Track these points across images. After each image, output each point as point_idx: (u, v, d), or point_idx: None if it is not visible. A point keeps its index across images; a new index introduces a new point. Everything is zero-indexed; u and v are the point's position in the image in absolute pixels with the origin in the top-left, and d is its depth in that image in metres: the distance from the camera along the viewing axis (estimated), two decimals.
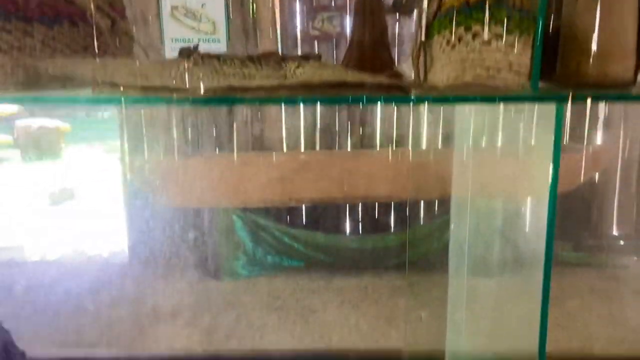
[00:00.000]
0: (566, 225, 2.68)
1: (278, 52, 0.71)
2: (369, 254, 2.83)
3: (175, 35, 2.67)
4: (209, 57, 0.67)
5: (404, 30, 2.81)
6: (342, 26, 2.87)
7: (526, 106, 0.84)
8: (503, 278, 0.97)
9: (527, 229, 1.01)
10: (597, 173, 2.78)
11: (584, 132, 2.73)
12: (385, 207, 2.90)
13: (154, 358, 0.90)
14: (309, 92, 0.64)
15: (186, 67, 0.65)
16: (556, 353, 0.75)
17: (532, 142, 0.93)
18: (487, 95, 0.66)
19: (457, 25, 0.65)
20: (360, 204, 2.90)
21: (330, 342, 2.01)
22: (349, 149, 2.86)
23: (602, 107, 2.78)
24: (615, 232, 2.81)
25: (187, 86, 0.64)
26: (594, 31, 0.68)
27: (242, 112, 2.85)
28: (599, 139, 2.80)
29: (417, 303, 2.38)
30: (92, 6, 0.75)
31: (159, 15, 2.68)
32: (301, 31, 2.89)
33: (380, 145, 2.85)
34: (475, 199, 1.02)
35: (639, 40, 0.70)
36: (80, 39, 0.75)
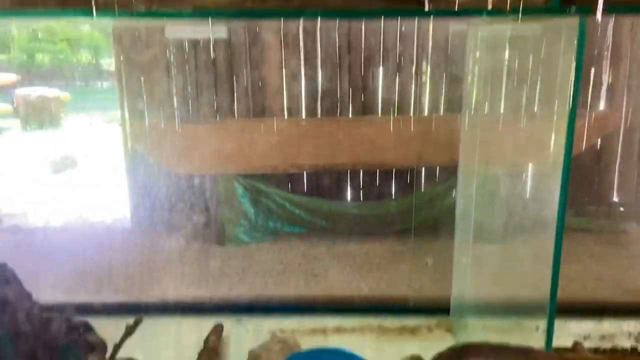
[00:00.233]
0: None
1: None
2: (370, 221, 2.84)
3: None
4: None
5: None
6: None
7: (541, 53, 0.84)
8: (512, 235, 0.98)
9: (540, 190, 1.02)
10: (599, 139, 2.77)
11: (587, 97, 2.71)
12: (386, 174, 2.90)
13: (158, 304, 0.91)
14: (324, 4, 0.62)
15: None
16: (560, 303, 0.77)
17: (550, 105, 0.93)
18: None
19: None
20: (361, 171, 2.90)
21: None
22: (350, 116, 2.85)
23: (606, 71, 2.75)
24: (615, 198, 2.82)
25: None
26: None
27: (244, 79, 2.83)
28: (601, 104, 2.79)
29: (420, 266, 2.41)
30: None
31: None
32: None
33: (383, 112, 2.83)
34: (483, 164, 1.02)
35: None
36: None
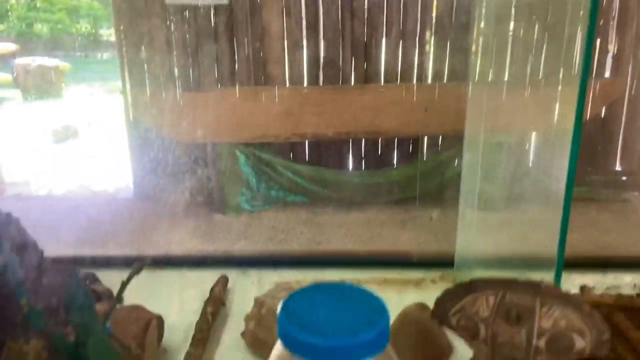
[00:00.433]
0: None
1: None
2: (372, 189, 2.85)
3: None
4: None
5: None
6: None
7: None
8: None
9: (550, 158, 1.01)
10: (603, 108, 2.75)
11: (593, 65, 2.68)
12: (388, 143, 2.89)
13: (162, 257, 0.92)
14: None
15: None
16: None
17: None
18: None
19: None
20: (363, 139, 2.89)
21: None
22: (352, 84, 2.83)
23: (612, 40, 2.72)
24: (618, 168, 2.82)
25: None
26: None
27: (244, 46, 2.80)
28: (607, 72, 2.76)
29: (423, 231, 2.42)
30: None
31: None
32: None
33: (386, 80, 2.81)
34: (489, 133, 1.02)
35: None
36: None
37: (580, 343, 0.42)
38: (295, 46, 2.80)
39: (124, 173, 3.12)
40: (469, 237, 0.89)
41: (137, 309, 0.69)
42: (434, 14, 2.75)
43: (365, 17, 2.76)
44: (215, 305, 0.76)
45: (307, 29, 2.77)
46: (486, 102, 1.11)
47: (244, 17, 2.76)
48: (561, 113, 1.14)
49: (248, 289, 0.83)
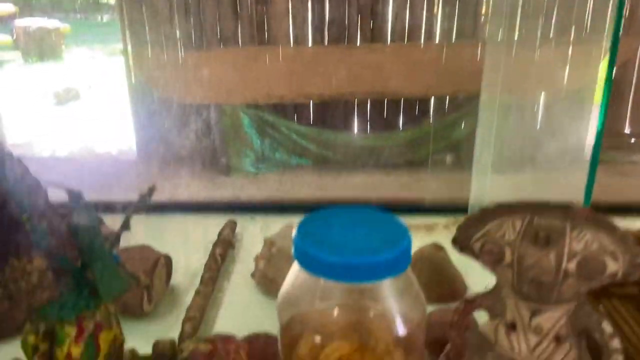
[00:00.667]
0: None
1: None
2: (378, 152, 2.82)
3: None
4: None
5: None
6: None
7: None
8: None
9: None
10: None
11: (605, 25, 2.61)
12: (395, 104, 2.85)
13: (169, 202, 0.90)
14: None
15: None
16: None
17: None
18: None
19: None
20: (369, 101, 2.85)
21: None
22: (358, 44, 2.76)
23: None
24: (627, 130, 2.77)
25: None
26: None
27: (247, 5, 2.73)
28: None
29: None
30: None
31: None
32: None
33: (392, 40, 2.74)
34: (506, 93, 0.99)
35: None
36: None
37: (612, 266, 0.40)
38: (300, 4, 2.73)
39: (127, 135, 3.09)
40: (484, 184, 0.86)
41: (145, 248, 0.67)
42: None
43: None
44: (224, 248, 0.74)
45: None
46: (503, 62, 1.08)
47: None
48: (579, 72, 1.11)
49: (256, 234, 0.81)
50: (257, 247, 0.70)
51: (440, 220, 0.83)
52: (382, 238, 0.39)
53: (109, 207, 0.81)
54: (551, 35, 1.17)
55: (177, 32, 2.83)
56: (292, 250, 0.40)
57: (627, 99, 2.76)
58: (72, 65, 4.47)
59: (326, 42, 2.77)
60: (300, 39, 2.76)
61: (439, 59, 2.57)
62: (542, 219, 0.41)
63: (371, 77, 2.59)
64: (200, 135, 2.87)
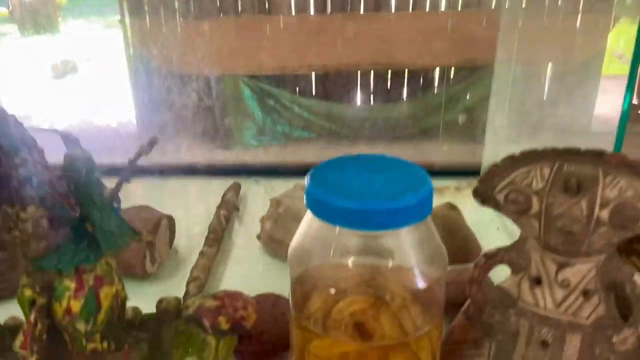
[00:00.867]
0: None
1: None
2: (381, 124, 2.78)
3: None
4: None
5: None
6: None
7: None
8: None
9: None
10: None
11: None
12: (398, 75, 2.80)
13: (171, 165, 0.88)
14: None
15: None
16: None
17: None
18: None
19: None
20: (372, 72, 2.80)
21: None
22: (362, 12, 2.70)
23: None
24: (635, 101, 2.73)
25: None
26: None
27: None
28: None
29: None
30: None
31: None
32: None
33: (397, 8, 2.68)
34: (521, 63, 0.95)
35: None
36: None
37: None
38: None
39: (127, 108, 3.04)
40: (496, 147, 0.84)
41: (146, 208, 0.65)
42: None
43: None
44: (229, 209, 0.72)
45: None
46: (518, 30, 1.05)
47: None
48: (587, 41, 1.07)
49: (261, 196, 0.78)
50: (263, 210, 0.68)
51: (451, 183, 0.80)
52: (402, 184, 0.36)
53: (110, 171, 0.78)
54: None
55: (176, 2, 2.76)
56: (303, 204, 0.37)
57: (635, 69, 2.70)
58: (69, 38, 4.39)
59: (329, 11, 2.71)
60: (301, 7, 2.70)
61: (445, 27, 2.52)
62: (573, 166, 0.38)
63: (375, 47, 2.54)
64: (200, 107, 2.83)
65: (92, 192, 0.39)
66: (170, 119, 2.90)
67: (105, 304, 0.40)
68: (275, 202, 0.64)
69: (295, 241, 0.40)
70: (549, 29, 1.04)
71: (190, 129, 2.85)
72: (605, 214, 0.37)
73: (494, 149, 0.81)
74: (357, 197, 0.35)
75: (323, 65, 2.61)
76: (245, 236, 0.70)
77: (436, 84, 2.74)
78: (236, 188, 0.78)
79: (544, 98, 1.14)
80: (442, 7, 2.64)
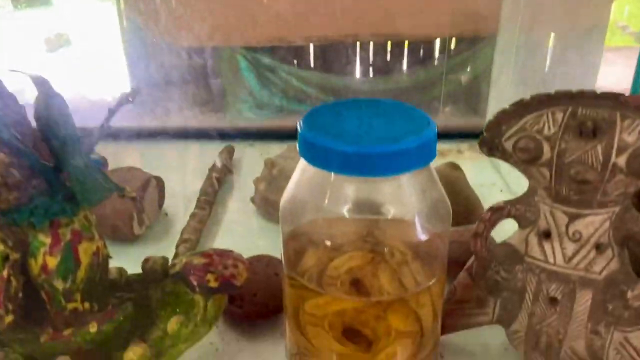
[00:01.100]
0: None
1: None
2: (381, 96, 2.73)
3: None
4: None
5: None
6: None
7: None
8: None
9: None
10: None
11: None
12: (398, 47, 2.74)
13: (159, 129, 0.85)
14: None
15: None
16: None
17: None
18: None
19: None
20: (372, 44, 2.74)
21: None
22: None
23: None
24: None
25: None
26: None
27: None
28: None
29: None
30: None
31: None
32: None
33: None
34: (525, 31, 0.92)
35: None
36: None
37: None
38: None
39: (122, 81, 2.99)
40: (500, 104, 0.81)
41: (133, 169, 0.62)
42: None
43: None
44: (222, 172, 0.69)
45: None
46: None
47: None
48: (598, 11, 1.03)
49: (256, 160, 0.76)
50: (257, 173, 0.65)
51: (453, 146, 0.78)
52: (403, 127, 0.33)
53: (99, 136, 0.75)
54: None
55: None
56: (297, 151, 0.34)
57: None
58: (62, 11, 4.31)
59: None
60: None
61: None
62: (588, 109, 0.35)
63: (375, 17, 2.48)
64: (197, 79, 2.78)
65: (67, 140, 0.36)
66: (167, 92, 2.85)
67: (84, 260, 0.38)
68: (270, 163, 0.61)
69: (287, 193, 0.37)
70: None
71: (186, 100, 2.80)
72: (622, 160, 0.34)
73: (498, 108, 0.77)
74: (353, 140, 0.32)
75: (321, 37, 2.55)
76: (239, 199, 0.68)
77: (437, 55, 2.69)
78: (230, 151, 0.75)
79: (546, 69, 1.12)
80: None
